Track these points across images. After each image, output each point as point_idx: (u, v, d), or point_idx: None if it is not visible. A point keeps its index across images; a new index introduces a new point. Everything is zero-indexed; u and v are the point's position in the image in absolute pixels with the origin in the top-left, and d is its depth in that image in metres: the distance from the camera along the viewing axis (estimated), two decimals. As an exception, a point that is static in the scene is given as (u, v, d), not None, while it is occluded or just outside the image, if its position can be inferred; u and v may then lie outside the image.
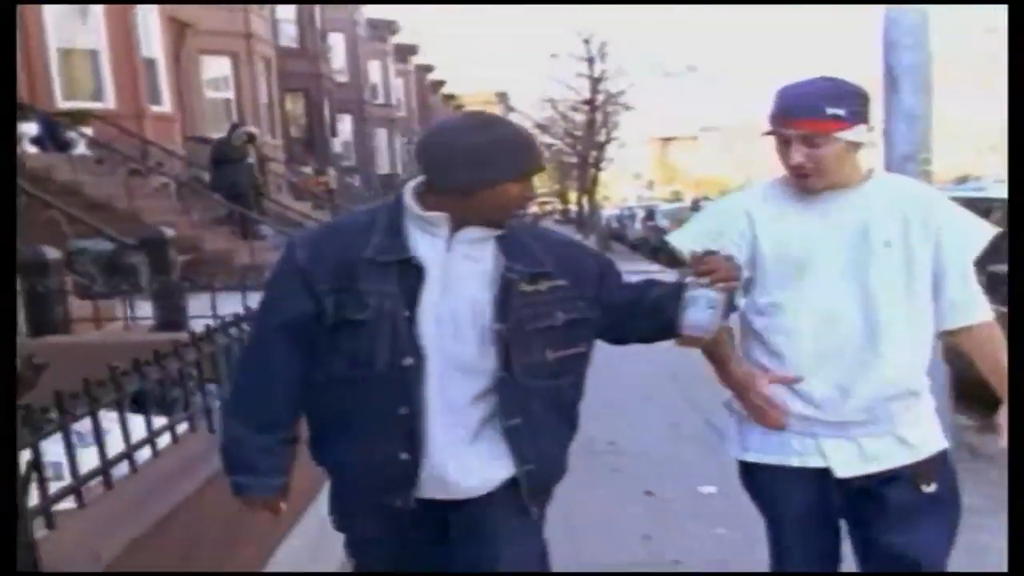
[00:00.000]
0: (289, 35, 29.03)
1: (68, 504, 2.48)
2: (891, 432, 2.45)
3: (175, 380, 3.18)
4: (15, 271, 3.20)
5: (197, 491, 2.84)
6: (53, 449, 2.50)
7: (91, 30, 15.55)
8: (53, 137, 13.27)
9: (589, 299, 2.34)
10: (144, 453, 2.88)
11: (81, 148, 13.60)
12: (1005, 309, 2.53)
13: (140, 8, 16.26)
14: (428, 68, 49.42)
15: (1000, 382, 2.48)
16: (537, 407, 2.27)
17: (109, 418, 2.75)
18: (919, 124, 5.08)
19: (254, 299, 4.79)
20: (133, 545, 2.45)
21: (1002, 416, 2.48)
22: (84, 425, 2.67)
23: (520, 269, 2.25)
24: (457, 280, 2.22)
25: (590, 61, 35.72)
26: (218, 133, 20.66)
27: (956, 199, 2.71)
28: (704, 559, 4.23)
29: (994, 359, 2.49)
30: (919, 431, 2.49)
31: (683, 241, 2.60)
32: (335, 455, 2.36)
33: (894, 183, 2.56)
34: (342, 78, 33.79)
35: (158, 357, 3.02)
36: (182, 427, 3.16)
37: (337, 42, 33.95)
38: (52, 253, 5.89)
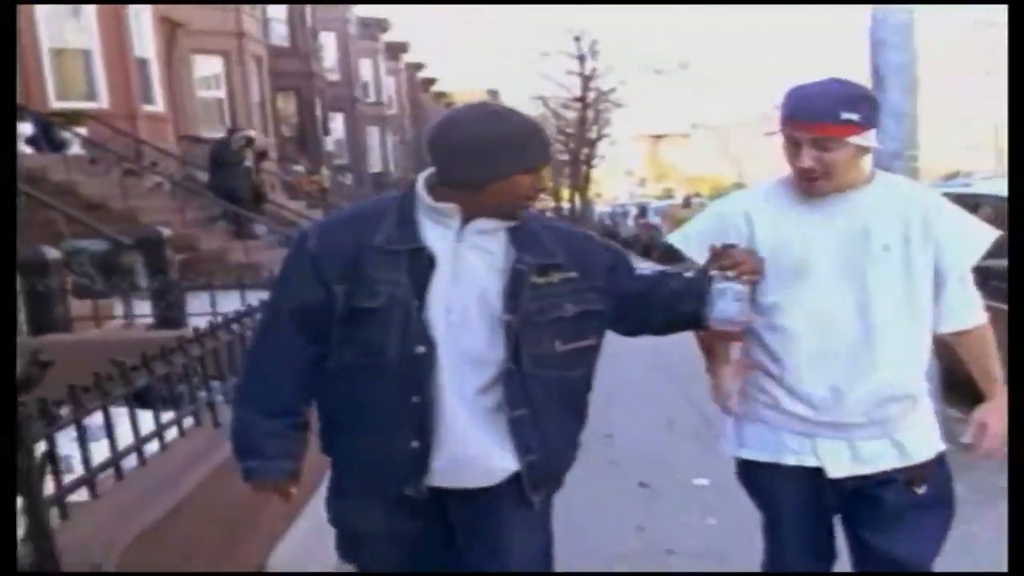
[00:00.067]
0: (280, 34, 29.03)
1: (81, 496, 2.55)
2: (887, 435, 2.46)
3: (180, 376, 3.25)
4: (15, 271, 3.27)
5: (204, 482, 2.90)
6: (62, 443, 2.57)
7: (83, 30, 15.54)
8: (47, 137, 13.29)
9: (600, 291, 2.34)
10: (152, 446, 2.95)
11: (75, 148, 13.60)
12: (995, 304, 2.59)
13: (132, 8, 16.26)
14: (419, 66, 49.41)
15: (988, 385, 2.53)
16: (544, 398, 2.27)
17: (117, 413, 2.82)
18: (906, 122, 5.18)
19: (252, 297, 4.90)
20: (144, 534, 2.51)
21: (980, 413, 2.53)
22: (91, 419, 2.74)
23: (530, 260, 2.25)
24: (467, 271, 2.23)
25: (581, 59, 35.86)
26: (211, 132, 20.71)
27: (943, 195, 2.71)
28: (697, 548, 4.31)
29: (984, 363, 2.53)
30: (915, 435, 2.49)
31: (683, 241, 2.63)
32: (344, 444, 2.37)
33: (896, 185, 2.55)
34: (333, 76, 33.80)
35: (164, 352, 3.09)
36: (188, 421, 3.24)
37: (328, 41, 33.95)
38: (51, 253, 5.94)
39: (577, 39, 35.36)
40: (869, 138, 2.37)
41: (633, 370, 7.22)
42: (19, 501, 2.12)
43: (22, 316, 5.40)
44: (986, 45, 44.26)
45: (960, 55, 43.86)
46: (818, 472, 2.48)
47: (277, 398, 2.33)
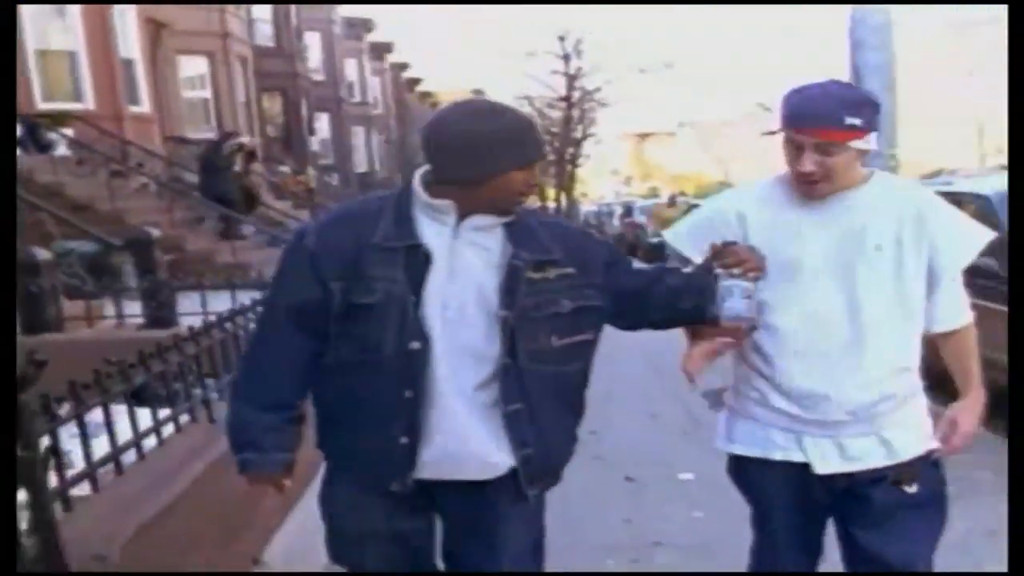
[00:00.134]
0: (265, 34, 28.98)
1: (83, 490, 2.62)
2: (875, 433, 2.46)
3: (176, 374, 3.31)
4: (15, 269, 3.31)
5: (201, 476, 2.97)
6: (63, 439, 2.62)
7: (69, 31, 15.50)
8: (34, 139, 13.27)
9: (597, 287, 2.35)
10: (150, 442, 3.02)
11: (62, 149, 13.58)
12: (981, 301, 2.61)
13: (117, 9, 16.23)
14: (404, 66, 49.36)
15: (966, 383, 2.55)
16: (540, 393, 2.28)
17: (115, 410, 2.88)
18: (885, 121, 5.27)
19: (242, 296, 4.96)
20: (144, 527, 2.58)
21: (953, 410, 2.53)
22: (90, 416, 2.80)
23: (527, 256, 2.26)
24: (464, 267, 2.24)
25: (566, 58, 35.93)
26: (196, 133, 20.70)
27: None
28: (682, 540, 4.40)
29: (965, 362, 2.55)
30: (902, 433, 2.48)
31: (677, 239, 2.65)
32: (337, 438, 2.39)
33: (891, 185, 2.53)
34: (319, 77, 33.75)
35: (161, 350, 3.16)
36: (184, 418, 3.30)
37: (313, 41, 33.89)
38: (43, 254, 6.00)
39: (562, 39, 35.47)
40: (870, 141, 2.37)
41: (618, 366, 7.30)
42: (24, 495, 2.19)
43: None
44: (969, 45, 44.56)
45: (944, 55, 44.13)
46: (806, 468, 2.48)
47: (273, 392, 2.35)
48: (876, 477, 2.46)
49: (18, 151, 12.65)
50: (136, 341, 4.19)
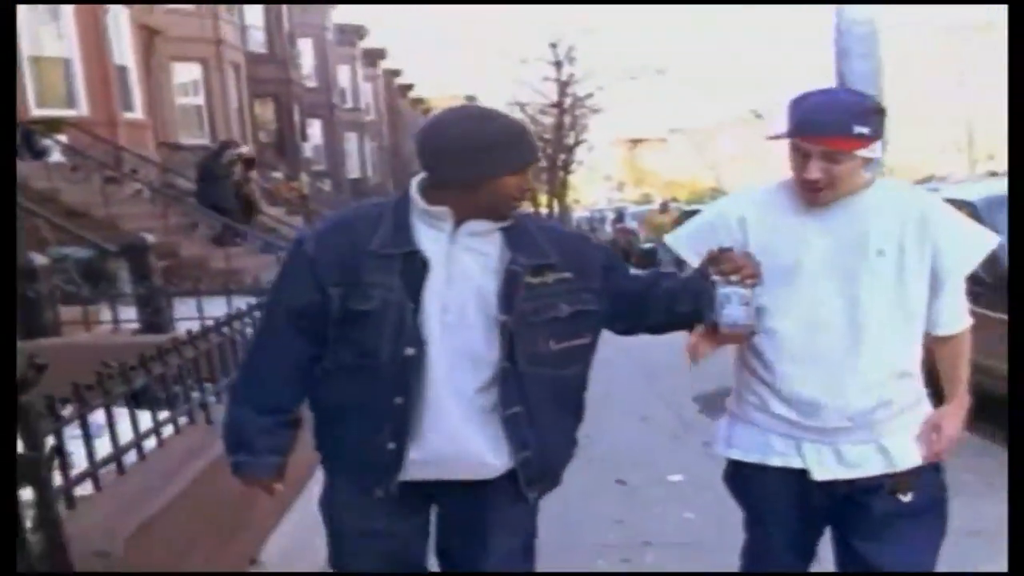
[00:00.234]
0: (258, 41, 29.09)
1: (85, 490, 2.68)
2: (873, 440, 2.44)
3: (175, 377, 3.38)
4: (15, 274, 3.37)
5: (200, 476, 3.03)
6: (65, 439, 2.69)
7: (62, 38, 15.57)
8: (28, 145, 13.32)
9: (594, 291, 2.36)
10: (150, 443, 3.08)
11: (56, 155, 13.65)
12: (974, 308, 2.58)
13: (111, 15, 16.30)
14: (396, 72, 49.45)
15: (953, 387, 2.55)
16: (539, 396, 2.30)
17: (116, 412, 2.94)
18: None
19: (238, 302, 5.01)
20: (145, 524, 2.64)
21: (937, 415, 2.51)
22: (92, 417, 2.86)
23: (525, 261, 2.28)
24: (462, 272, 2.26)
25: (558, 65, 35.98)
26: (190, 139, 20.78)
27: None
28: (673, 541, 4.47)
29: (957, 367, 2.54)
30: (901, 441, 2.46)
31: (678, 243, 2.64)
32: (330, 440, 2.43)
33: (894, 190, 2.51)
34: (311, 83, 33.82)
35: (161, 353, 3.22)
36: (182, 420, 3.36)
37: (306, 47, 33.97)
38: (40, 259, 6.05)
39: (553, 45, 35.52)
40: (876, 149, 2.36)
41: (609, 370, 7.36)
42: (30, 493, 2.25)
43: (12, 321, 5.48)
44: (960, 50, 44.74)
45: (934, 60, 44.30)
46: (805, 475, 2.47)
47: (269, 395, 2.38)
48: (874, 485, 2.45)
49: (12, 157, 12.69)
50: (133, 346, 4.25)
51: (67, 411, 2.66)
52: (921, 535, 2.50)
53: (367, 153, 41.15)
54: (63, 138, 14.00)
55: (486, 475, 2.35)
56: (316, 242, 2.34)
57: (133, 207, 13.67)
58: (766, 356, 2.47)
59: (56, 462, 2.48)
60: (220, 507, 3.15)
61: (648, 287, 2.46)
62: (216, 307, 5.55)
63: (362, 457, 2.35)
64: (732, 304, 2.26)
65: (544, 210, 38.21)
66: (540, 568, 2.63)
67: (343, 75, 38.47)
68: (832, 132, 2.29)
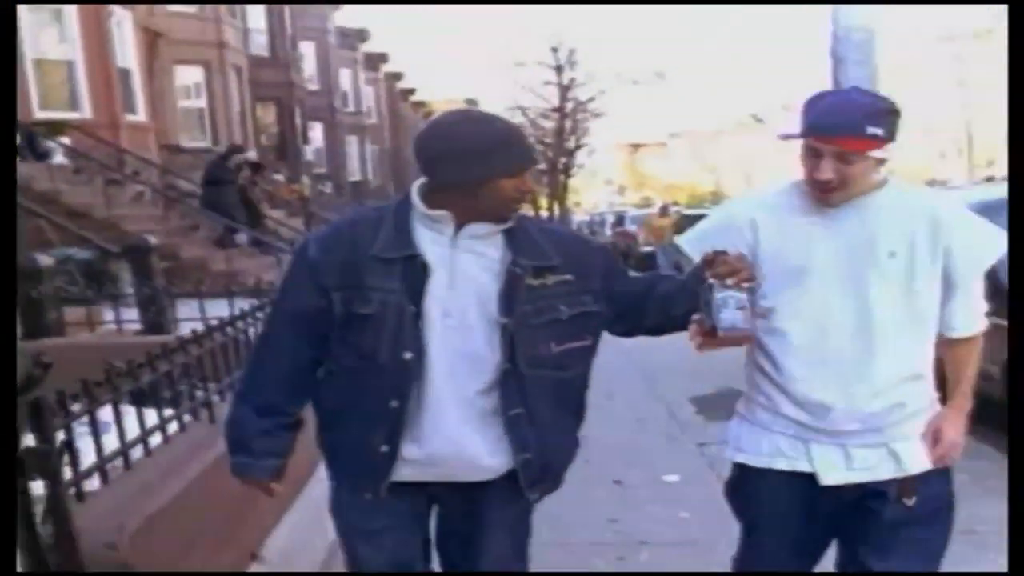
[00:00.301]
0: (260, 44, 29.14)
1: (93, 484, 2.74)
2: (883, 444, 2.42)
3: (180, 375, 3.44)
4: (15, 275, 3.44)
5: (203, 472, 3.08)
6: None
7: (66, 41, 15.66)
8: (31, 147, 13.39)
9: (595, 293, 2.38)
10: (156, 440, 3.15)
11: (59, 157, 13.73)
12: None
13: (114, 18, 16.39)
14: (398, 76, 49.53)
15: (955, 390, 2.52)
16: (540, 397, 2.32)
17: (123, 409, 3.01)
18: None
19: (240, 303, 5.07)
20: (151, 518, 2.70)
21: (937, 418, 2.48)
22: (100, 413, 2.93)
23: (526, 263, 2.29)
24: (463, 275, 2.28)
25: (559, 69, 36.07)
26: (191, 142, 20.86)
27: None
28: (668, 539, 4.53)
29: (964, 369, 2.52)
30: (912, 446, 2.44)
31: (690, 245, 2.61)
32: (329, 441, 2.48)
33: (906, 192, 2.48)
34: (313, 86, 33.86)
35: (166, 352, 3.29)
36: (187, 417, 3.43)
37: (308, 51, 34.01)
38: (44, 260, 6.11)
39: (554, 50, 35.62)
40: (889, 150, 2.34)
41: (604, 372, 7.44)
42: (40, 486, 2.32)
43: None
44: (958, 55, 44.82)
45: (932, 65, 44.37)
46: (812, 479, 2.46)
47: (271, 397, 2.41)
48: (883, 490, 2.44)
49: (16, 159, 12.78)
50: (136, 346, 4.30)
51: (76, 407, 2.73)
52: (926, 544, 2.50)
53: (368, 156, 41.21)
54: (66, 140, 14.08)
55: (484, 476, 2.38)
56: (318, 247, 2.37)
57: (135, 209, 13.75)
58: (776, 358, 2.46)
59: (66, 456, 2.55)
60: (222, 503, 3.21)
61: (647, 289, 2.48)
62: (217, 308, 5.59)
63: (356, 459, 2.40)
64: (729, 308, 2.25)
65: (545, 213, 38.28)
66: (535, 567, 2.68)
67: (345, 79, 38.51)
68: (845, 132, 2.28)
